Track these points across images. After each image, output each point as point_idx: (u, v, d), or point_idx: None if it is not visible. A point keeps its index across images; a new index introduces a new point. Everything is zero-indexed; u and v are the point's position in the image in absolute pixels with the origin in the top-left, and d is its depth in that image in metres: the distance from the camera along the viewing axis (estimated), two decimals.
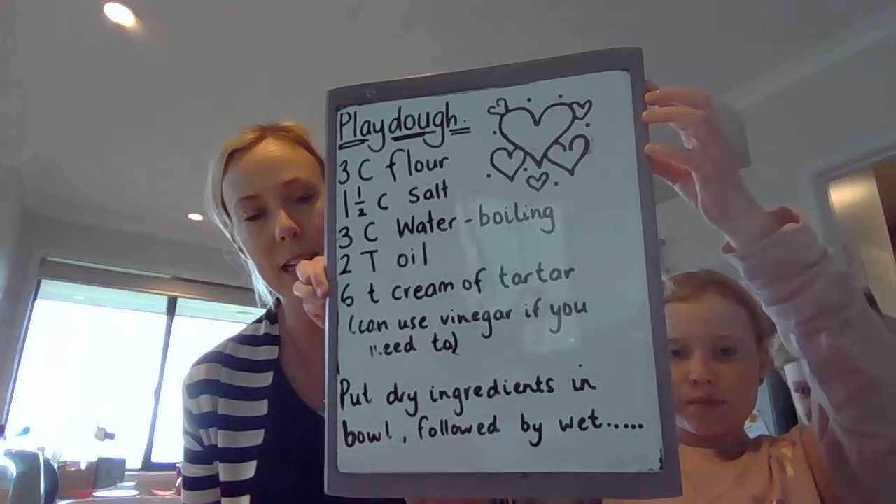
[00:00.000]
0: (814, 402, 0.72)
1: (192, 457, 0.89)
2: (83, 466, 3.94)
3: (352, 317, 0.62)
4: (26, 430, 3.79)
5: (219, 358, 0.91)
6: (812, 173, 2.71)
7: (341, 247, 0.64)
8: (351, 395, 0.61)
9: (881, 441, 0.63)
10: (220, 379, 0.88)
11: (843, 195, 2.90)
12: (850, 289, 0.61)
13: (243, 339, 0.94)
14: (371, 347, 0.61)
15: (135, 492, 4.08)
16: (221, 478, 0.84)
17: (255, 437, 0.84)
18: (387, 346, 0.60)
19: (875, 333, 0.61)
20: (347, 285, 0.63)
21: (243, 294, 1.01)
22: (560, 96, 0.61)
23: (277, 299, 0.97)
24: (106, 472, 4.02)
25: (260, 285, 0.98)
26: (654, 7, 2.46)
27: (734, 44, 2.71)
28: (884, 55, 2.54)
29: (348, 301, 0.63)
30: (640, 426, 0.54)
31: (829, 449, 0.71)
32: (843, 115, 2.65)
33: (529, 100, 0.62)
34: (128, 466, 4.26)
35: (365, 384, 0.60)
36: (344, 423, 0.60)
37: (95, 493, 3.83)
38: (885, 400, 0.61)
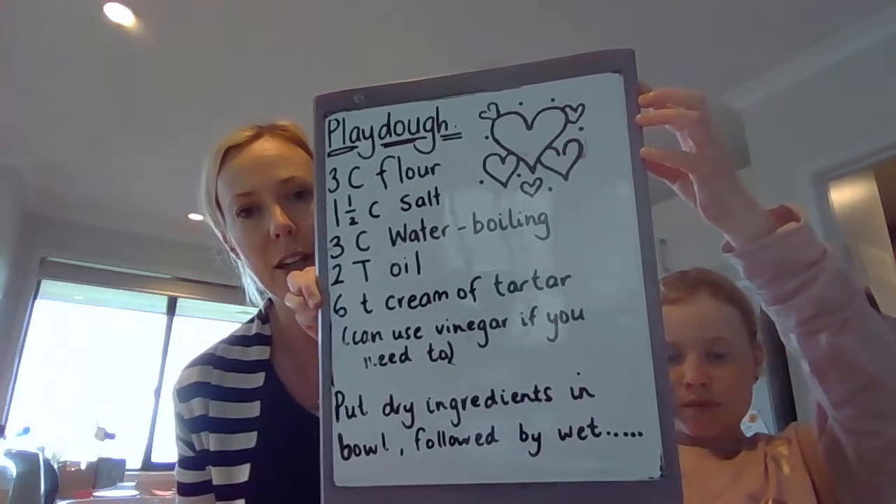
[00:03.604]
0: (812, 401, 0.72)
1: (185, 462, 0.88)
2: (83, 466, 3.93)
3: (345, 328, 0.61)
4: (26, 430, 3.79)
5: (210, 360, 0.90)
6: (812, 173, 2.70)
7: (332, 256, 0.63)
8: (346, 408, 0.60)
9: (880, 439, 0.64)
10: (211, 381, 0.88)
11: (843, 195, 2.89)
12: (851, 287, 0.61)
13: (234, 340, 0.93)
14: (365, 359, 0.60)
15: (135, 492, 4.08)
16: (215, 482, 0.83)
17: (248, 440, 0.84)
18: (381, 357, 0.60)
19: (875, 331, 0.61)
20: (340, 296, 0.62)
21: (243, 294, 1.01)
22: (552, 100, 0.61)
23: (270, 299, 0.96)
24: (106, 472, 4.01)
25: (250, 287, 0.98)
26: (653, 7, 2.46)
27: (734, 44, 2.70)
28: (884, 55, 2.54)
29: (341, 312, 0.62)
30: (640, 434, 0.54)
31: (828, 447, 0.71)
32: (843, 115, 2.64)
33: (521, 104, 0.61)
34: (128, 466, 4.25)
35: (360, 396, 0.60)
36: (339, 436, 0.60)
37: (95, 493, 3.83)
38: (884, 398, 0.62)
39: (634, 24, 2.53)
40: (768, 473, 0.77)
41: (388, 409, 0.59)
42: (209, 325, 5.16)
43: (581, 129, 0.60)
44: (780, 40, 2.68)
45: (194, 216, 4.31)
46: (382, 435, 0.59)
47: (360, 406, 0.60)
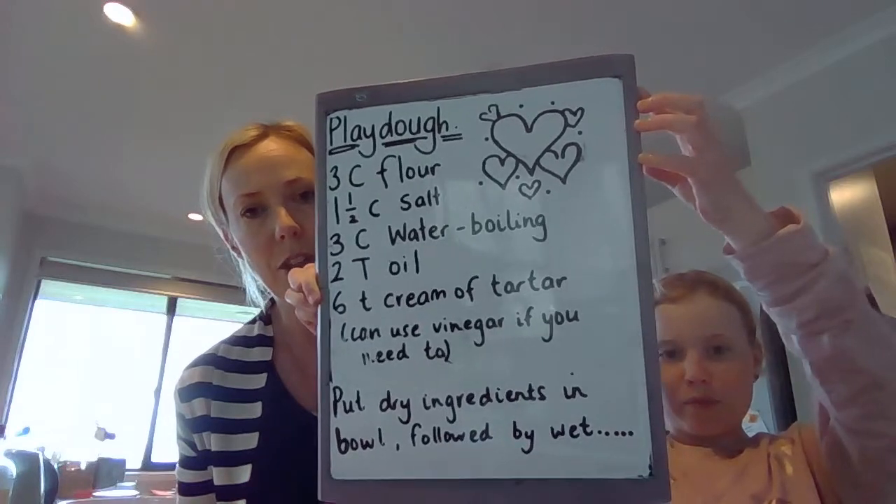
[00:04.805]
0: (814, 402, 0.72)
1: (186, 462, 0.88)
2: (83, 466, 3.94)
3: (344, 324, 0.62)
4: (26, 430, 3.79)
5: (211, 360, 0.90)
6: (812, 173, 2.70)
7: (332, 254, 0.64)
8: (344, 403, 0.61)
9: (882, 439, 0.64)
10: (212, 381, 0.88)
11: (843, 195, 2.89)
12: (853, 288, 0.61)
13: (236, 341, 0.93)
14: (364, 355, 0.61)
15: (135, 492, 4.08)
16: (216, 482, 0.83)
17: (250, 441, 0.84)
18: (379, 354, 0.61)
19: (877, 332, 0.61)
20: (339, 293, 0.63)
21: (243, 294, 1.01)
22: (552, 103, 0.61)
23: (272, 299, 0.96)
24: (106, 472, 4.02)
25: (251, 286, 0.98)
26: (654, 7, 2.46)
27: (734, 44, 2.70)
28: (884, 55, 2.54)
29: (340, 309, 0.63)
30: (630, 433, 0.55)
31: (830, 448, 0.71)
32: (843, 115, 2.64)
33: (521, 106, 0.62)
34: (128, 466, 4.25)
35: (357, 392, 0.61)
36: (337, 430, 0.61)
37: (95, 493, 3.84)
38: (887, 398, 0.62)
39: (634, 23, 2.53)
40: (772, 474, 0.78)
41: (384, 405, 0.60)
42: (209, 325, 5.16)
43: (580, 132, 0.60)
44: (780, 40, 2.68)
45: (194, 216, 4.31)
46: (379, 430, 0.59)
47: (358, 401, 0.61)
